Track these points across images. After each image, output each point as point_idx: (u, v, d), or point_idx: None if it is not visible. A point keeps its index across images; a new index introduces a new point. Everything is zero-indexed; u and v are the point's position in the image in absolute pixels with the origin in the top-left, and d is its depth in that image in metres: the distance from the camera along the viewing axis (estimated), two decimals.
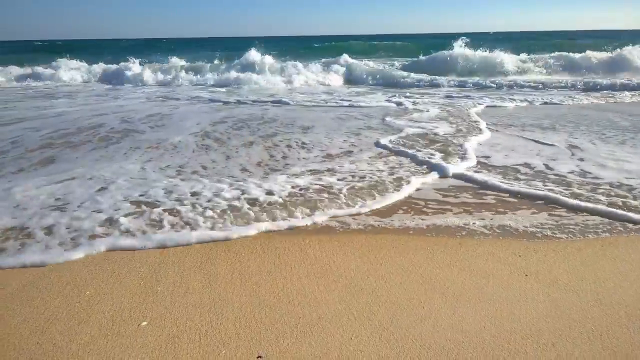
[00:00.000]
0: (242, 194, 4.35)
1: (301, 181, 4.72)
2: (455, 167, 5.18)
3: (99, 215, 3.84)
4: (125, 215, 3.83)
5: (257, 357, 2.09)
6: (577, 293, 2.61)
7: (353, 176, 4.88)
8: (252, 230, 3.55)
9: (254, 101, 11.44)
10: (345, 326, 2.31)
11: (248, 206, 4.03)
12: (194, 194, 4.34)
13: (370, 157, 5.68)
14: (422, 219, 3.73)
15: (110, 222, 3.70)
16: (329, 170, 5.14)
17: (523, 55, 18.46)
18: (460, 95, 12.08)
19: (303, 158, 5.73)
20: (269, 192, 4.37)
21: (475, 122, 8.13)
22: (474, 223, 3.61)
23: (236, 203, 4.10)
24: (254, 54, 18.37)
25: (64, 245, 3.29)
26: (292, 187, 4.52)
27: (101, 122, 8.45)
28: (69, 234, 3.49)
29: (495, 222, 3.64)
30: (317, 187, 4.54)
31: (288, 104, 10.85)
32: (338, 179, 4.78)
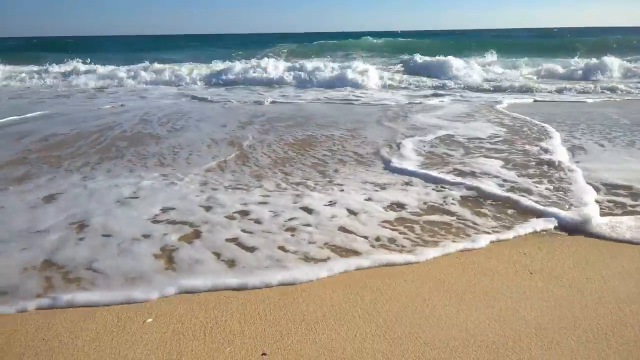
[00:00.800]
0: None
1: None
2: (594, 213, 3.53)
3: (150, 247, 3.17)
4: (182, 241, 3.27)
5: (262, 354, 2.09)
6: (581, 291, 2.60)
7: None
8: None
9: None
10: (350, 324, 2.31)
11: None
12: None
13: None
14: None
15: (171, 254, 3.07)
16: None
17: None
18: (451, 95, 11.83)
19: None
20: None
21: (523, 120, 7.60)
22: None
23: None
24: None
25: (129, 289, 2.66)
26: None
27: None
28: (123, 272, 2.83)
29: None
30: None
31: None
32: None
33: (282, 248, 3.16)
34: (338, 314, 2.40)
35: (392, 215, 3.71)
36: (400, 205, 3.90)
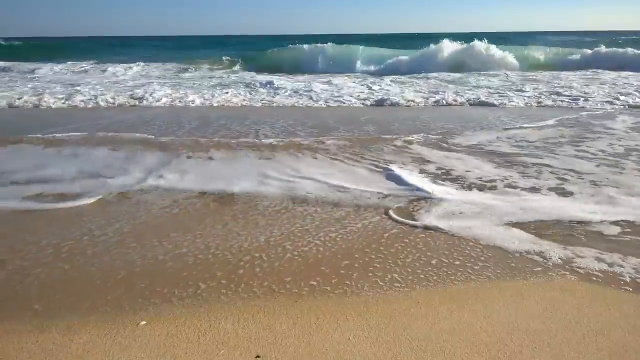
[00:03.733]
0: None
1: None
2: None
3: None
4: None
5: (256, 357, 2.10)
6: (572, 293, 2.63)
7: None
8: None
9: None
10: (343, 326, 2.33)
11: None
12: None
13: None
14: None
15: None
16: None
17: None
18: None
19: None
20: None
21: None
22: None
23: None
24: None
25: None
26: None
27: None
28: None
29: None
30: None
31: None
32: None
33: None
34: (331, 316, 2.42)
35: None
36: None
